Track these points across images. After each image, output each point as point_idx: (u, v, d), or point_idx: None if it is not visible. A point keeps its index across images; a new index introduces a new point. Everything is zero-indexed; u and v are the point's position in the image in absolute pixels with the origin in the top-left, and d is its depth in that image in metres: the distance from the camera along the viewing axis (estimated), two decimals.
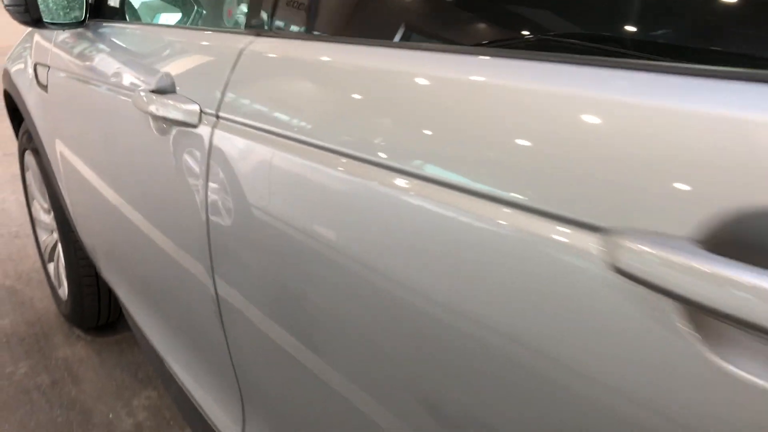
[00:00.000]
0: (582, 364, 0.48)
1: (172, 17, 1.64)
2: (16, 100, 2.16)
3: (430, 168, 0.61)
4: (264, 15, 1.01)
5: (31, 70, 1.98)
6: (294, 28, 0.95)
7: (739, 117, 0.42)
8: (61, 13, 1.47)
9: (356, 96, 0.72)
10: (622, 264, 0.44)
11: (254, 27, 1.02)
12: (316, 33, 0.89)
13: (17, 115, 2.40)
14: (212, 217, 0.98)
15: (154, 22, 1.64)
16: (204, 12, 1.52)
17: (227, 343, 1.07)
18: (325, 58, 0.79)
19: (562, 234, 0.49)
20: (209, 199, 0.97)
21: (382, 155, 0.66)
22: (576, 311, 0.48)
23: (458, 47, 0.68)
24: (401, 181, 0.64)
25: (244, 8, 1.14)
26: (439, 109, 0.62)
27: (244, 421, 1.12)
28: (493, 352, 0.56)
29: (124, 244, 1.46)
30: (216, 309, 1.06)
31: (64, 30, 1.61)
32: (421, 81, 0.65)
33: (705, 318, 0.42)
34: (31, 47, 2.01)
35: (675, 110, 0.45)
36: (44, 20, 1.45)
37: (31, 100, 2.00)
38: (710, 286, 0.39)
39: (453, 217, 0.58)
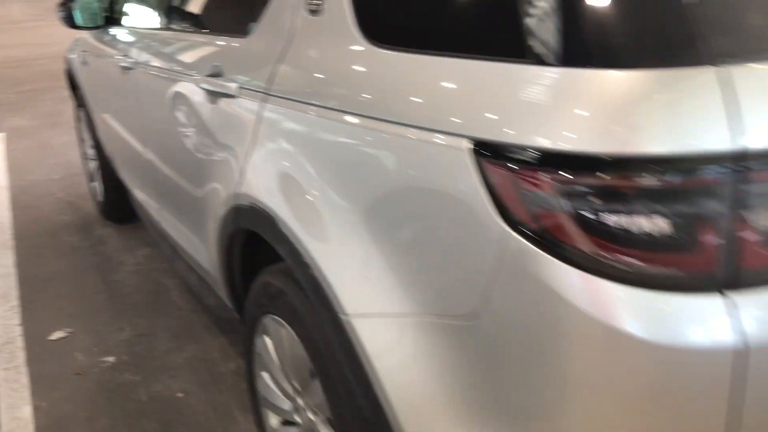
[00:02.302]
0: None
1: (151, 20, 3.00)
2: (73, 75, 3.60)
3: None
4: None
5: (80, 53, 3.41)
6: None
7: None
8: (89, 21, 2.87)
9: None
10: None
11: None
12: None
13: (75, 86, 3.85)
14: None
15: (136, 25, 2.99)
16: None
17: (155, 173, 2.42)
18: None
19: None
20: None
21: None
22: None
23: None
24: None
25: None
26: None
27: (159, 198, 2.47)
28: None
29: (133, 158, 2.84)
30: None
31: (89, 31, 3.02)
32: None
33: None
34: (79, 43, 3.44)
35: None
36: (78, 25, 2.86)
37: (79, 72, 3.43)
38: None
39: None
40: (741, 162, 0.85)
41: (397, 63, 1.19)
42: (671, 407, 0.92)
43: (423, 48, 1.15)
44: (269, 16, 1.57)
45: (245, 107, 1.59)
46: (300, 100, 1.39)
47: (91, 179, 3.94)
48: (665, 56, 0.89)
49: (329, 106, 1.29)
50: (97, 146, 3.55)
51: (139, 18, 2.86)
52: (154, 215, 2.63)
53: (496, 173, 0.97)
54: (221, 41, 1.86)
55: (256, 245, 1.73)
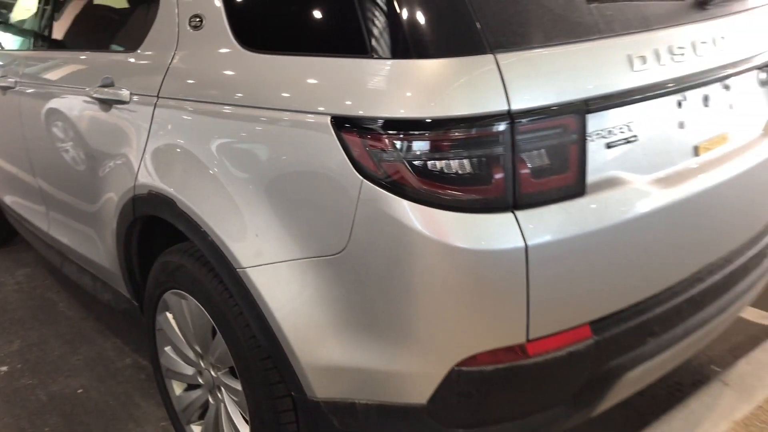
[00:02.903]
0: None
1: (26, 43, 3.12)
2: None
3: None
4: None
5: None
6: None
7: None
8: None
9: None
10: None
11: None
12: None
13: None
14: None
15: (8, 48, 3.12)
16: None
17: (39, 188, 2.58)
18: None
19: None
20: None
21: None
22: None
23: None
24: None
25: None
26: None
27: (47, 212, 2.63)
28: None
29: (16, 179, 2.93)
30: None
31: None
32: None
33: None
34: None
35: None
36: None
37: None
38: None
39: None
40: (513, 118, 1.26)
41: (270, 63, 1.52)
42: (486, 291, 1.30)
43: (289, 50, 1.49)
44: (153, 35, 1.85)
45: (137, 110, 1.85)
46: (188, 98, 1.68)
47: None
48: (460, 48, 1.28)
49: (215, 101, 1.60)
50: None
51: (12, 41, 2.99)
52: (43, 228, 2.76)
53: (351, 139, 1.33)
54: (108, 57, 2.10)
55: (149, 235, 1.99)
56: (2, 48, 3.03)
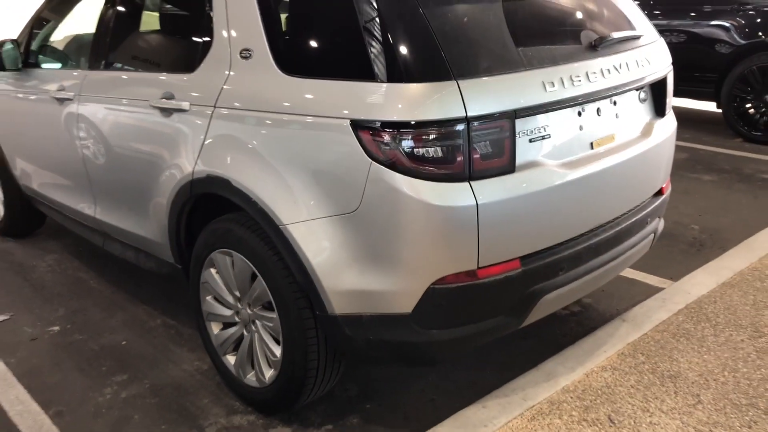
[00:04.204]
0: None
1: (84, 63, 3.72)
2: None
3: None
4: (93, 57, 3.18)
5: None
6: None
7: None
8: (11, 65, 3.58)
9: None
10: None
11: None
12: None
13: None
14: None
15: (49, 67, 3.73)
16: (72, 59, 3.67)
17: (89, 180, 3.21)
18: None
19: None
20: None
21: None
22: None
23: None
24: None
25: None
26: None
27: (95, 200, 3.27)
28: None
29: (64, 177, 3.54)
30: (84, 169, 3.21)
31: (14, 73, 3.71)
32: None
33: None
34: None
35: None
36: (5, 67, 3.56)
37: None
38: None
39: None
40: (469, 121, 1.99)
41: (304, 84, 2.21)
42: (451, 233, 2.02)
43: (319, 75, 2.19)
44: (209, 61, 2.53)
45: (196, 116, 2.53)
46: (240, 108, 2.37)
47: None
48: (435, 76, 2.00)
49: (262, 109, 2.29)
50: (0, 172, 4.15)
51: (71, 61, 3.63)
52: (89, 214, 3.38)
53: (363, 135, 2.03)
54: (166, 77, 2.77)
55: (196, 212, 2.66)
56: (50, 67, 3.66)
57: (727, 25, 6.00)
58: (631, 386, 2.50)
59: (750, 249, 3.66)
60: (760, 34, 5.82)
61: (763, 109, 5.90)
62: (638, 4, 2.80)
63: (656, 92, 2.69)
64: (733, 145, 5.98)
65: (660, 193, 2.78)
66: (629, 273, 3.46)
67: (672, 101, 2.82)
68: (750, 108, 5.97)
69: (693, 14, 6.24)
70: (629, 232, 2.55)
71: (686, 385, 2.50)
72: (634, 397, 2.44)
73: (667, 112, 2.75)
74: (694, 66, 6.17)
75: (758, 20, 5.85)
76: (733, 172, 5.22)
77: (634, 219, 2.56)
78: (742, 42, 5.90)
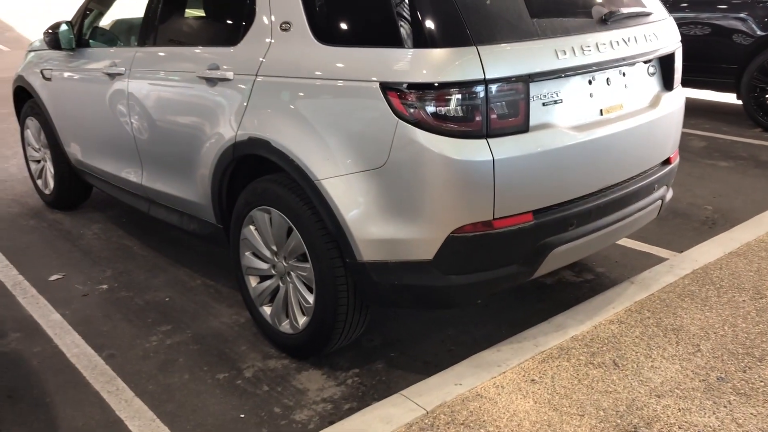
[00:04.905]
0: None
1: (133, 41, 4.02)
2: (28, 89, 4.50)
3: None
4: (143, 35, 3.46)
5: (39, 71, 4.34)
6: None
7: None
8: (67, 45, 3.88)
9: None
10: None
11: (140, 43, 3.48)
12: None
13: (19, 102, 4.72)
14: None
15: (102, 45, 4.02)
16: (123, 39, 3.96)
17: (137, 149, 3.49)
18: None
19: None
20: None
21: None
22: None
23: None
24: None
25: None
26: None
27: (142, 168, 3.55)
28: None
29: (114, 147, 3.83)
30: (132, 137, 3.49)
31: (53, 52, 4.02)
32: None
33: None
34: (34, 61, 4.38)
35: None
36: (62, 47, 3.86)
37: (38, 86, 4.36)
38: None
39: None
40: (487, 83, 2.21)
41: (339, 52, 2.45)
42: (469, 186, 2.24)
43: (352, 44, 2.43)
44: (251, 34, 2.78)
45: (240, 85, 2.78)
46: (281, 75, 2.61)
47: (38, 176, 4.80)
48: (456, 42, 2.23)
49: (301, 76, 2.53)
50: (52, 147, 4.45)
51: (121, 40, 3.93)
52: (136, 181, 3.66)
53: (391, 96, 2.27)
54: (211, 50, 3.03)
55: (237, 175, 2.91)
56: (101, 46, 3.95)
57: (746, 17, 6.12)
58: (636, 336, 2.70)
59: (759, 223, 3.83)
60: None
61: None
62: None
63: (665, 66, 2.88)
64: (752, 134, 6.10)
65: (668, 162, 2.97)
66: (642, 246, 3.65)
67: (680, 76, 3.01)
68: None
69: (714, 7, 6.37)
70: (636, 195, 2.75)
71: (687, 337, 2.69)
72: (638, 345, 2.64)
73: (675, 86, 2.94)
74: (715, 58, 6.31)
75: None
76: (750, 159, 5.36)
77: (641, 184, 2.76)
78: (761, 33, 6.02)
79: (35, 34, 5.19)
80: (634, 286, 3.10)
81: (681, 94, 3.01)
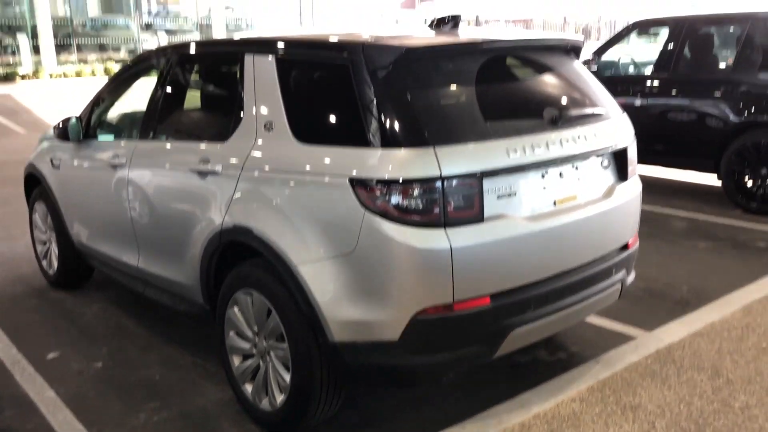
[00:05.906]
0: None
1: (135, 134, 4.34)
2: (38, 176, 4.80)
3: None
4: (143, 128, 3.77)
5: (48, 159, 4.65)
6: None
7: None
8: (75, 137, 4.20)
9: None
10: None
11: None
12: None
13: (29, 187, 5.02)
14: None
15: (108, 139, 4.33)
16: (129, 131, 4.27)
17: (135, 234, 3.74)
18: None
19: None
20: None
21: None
22: None
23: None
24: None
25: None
26: None
27: (138, 251, 3.79)
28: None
29: (112, 231, 4.08)
30: (131, 226, 3.75)
31: (61, 143, 4.34)
32: None
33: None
34: (45, 151, 4.70)
35: None
36: (69, 138, 4.18)
37: (47, 173, 4.66)
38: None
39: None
40: (443, 180, 2.45)
41: (315, 150, 2.72)
42: (431, 272, 2.45)
43: (326, 143, 2.70)
44: (239, 133, 3.07)
45: (227, 178, 3.05)
46: (263, 170, 2.88)
47: (44, 257, 5.04)
48: (416, 144, 2.49)
49: (281, 170, 2.80)
50: (57, 230, 4.72)
51: (124, 133, 4.25)
52: (133, 264, 3.89)
53: (359, 190, 2.51)
54: (203, 145, 3.32)
55: (223, 259, 3.14)
56: (106, 139, 4.27)
57: (723, 103, 6.45)
58: (596, 414, 2.84)
59: (725, 304, 3.99)
60: (753, 112, 6.25)
61: (760, 182, 6.26)
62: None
63: (618, 160, 3.13)
64: (733, 215, 6.31)
65: (626, 247, 3.18)
66: (615, 326, 3.81)
67: (636, 168, 3.25)
68: (747, 181, 6.33)
69: (694, 93, 6.70)
70: (594, 279, 2.95)
71: (644, 414, 2.83)
72: (596, 423, 2.78)
73: (629, 176, 3.18)
74: (695, 141, 6.60)
75: (751, 99, 6.29)
76: (728, 240, 5.55)
77: (597, 268, 2.96)
78: (737, 119, 6.33)
79: (52, 118, 5.47)
80: (599, 365, 3.25)
81: (636, 183, 3.25)
